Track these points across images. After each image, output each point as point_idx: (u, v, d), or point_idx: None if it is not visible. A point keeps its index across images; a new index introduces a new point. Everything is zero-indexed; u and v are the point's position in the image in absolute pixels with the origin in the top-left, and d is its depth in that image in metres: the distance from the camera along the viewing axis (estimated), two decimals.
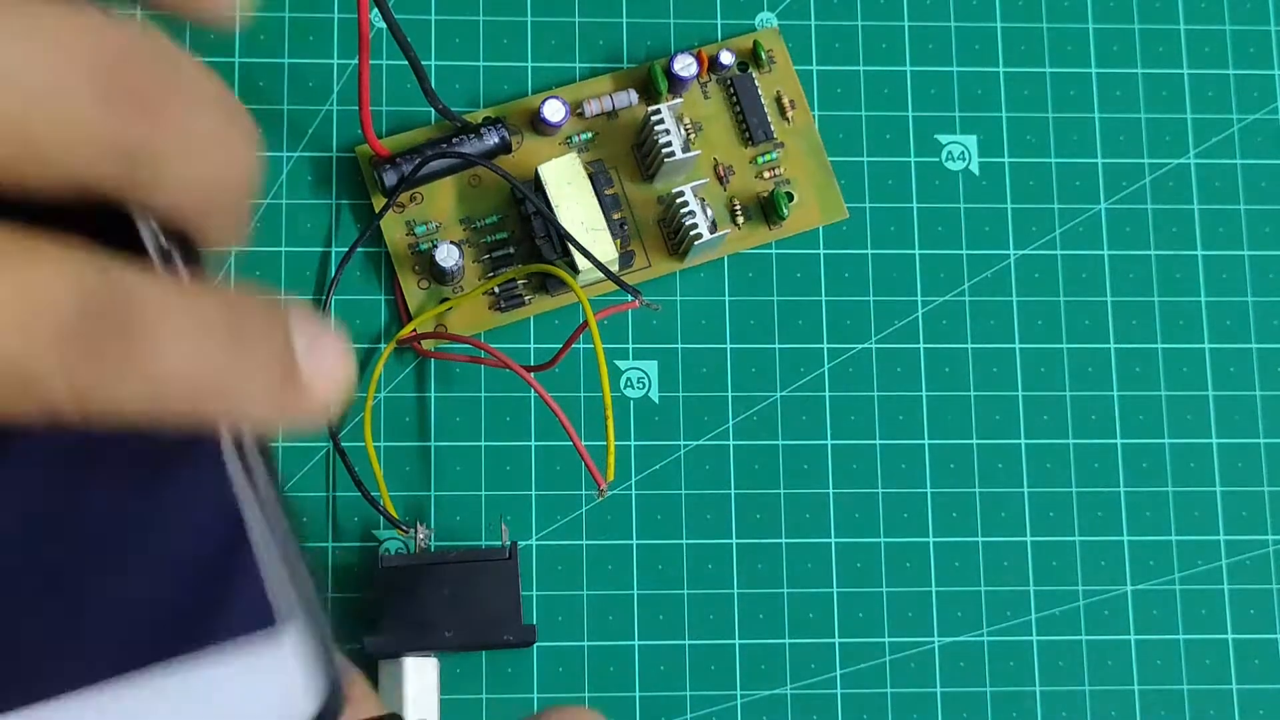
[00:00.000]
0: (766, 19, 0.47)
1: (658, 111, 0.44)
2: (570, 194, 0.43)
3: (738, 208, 0.46)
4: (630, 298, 0.42)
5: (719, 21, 0.47)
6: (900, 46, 0.48)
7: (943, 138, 0.47)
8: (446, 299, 0.44)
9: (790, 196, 0.46)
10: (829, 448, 0.45)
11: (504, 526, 0.43)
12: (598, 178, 0.44)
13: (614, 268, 0.44)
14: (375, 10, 0.43)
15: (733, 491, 0.45)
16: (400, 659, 0.41)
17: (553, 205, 0.43)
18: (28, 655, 0.16)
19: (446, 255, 0.43)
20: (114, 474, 0.17)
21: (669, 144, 0.44)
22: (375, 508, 0.43)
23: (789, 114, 0.47)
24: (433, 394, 0.45)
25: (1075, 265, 0.47)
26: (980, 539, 0.45)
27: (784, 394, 0.45)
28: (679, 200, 0.44)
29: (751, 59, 0.47)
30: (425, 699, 0.42)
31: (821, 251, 0.46)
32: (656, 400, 0.45)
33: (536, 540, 0.44)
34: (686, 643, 0.44)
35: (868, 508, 0.45)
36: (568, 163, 0.44)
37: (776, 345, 0.46)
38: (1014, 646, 0.44)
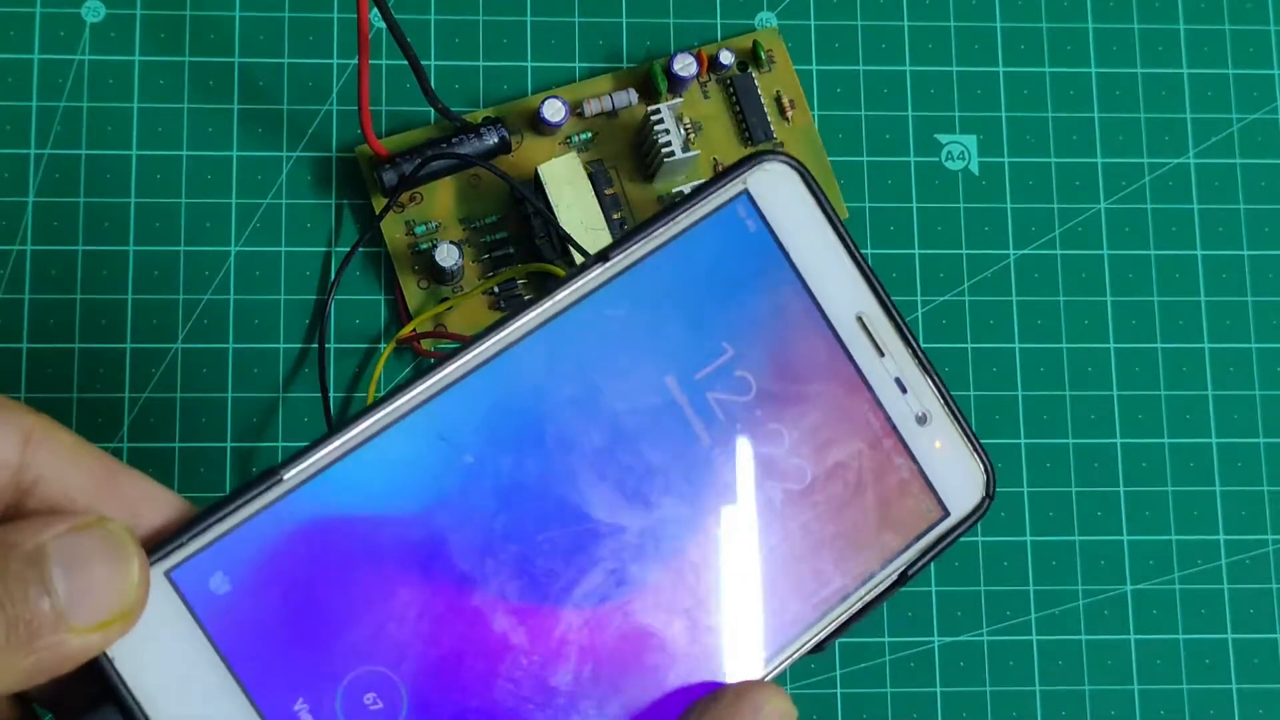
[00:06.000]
0: (766, 19, 0.47)
1: (657, 111, 0.44)
2: (570, 194, 0.43)
3: None
4: None
5: (719, 21, 0.47)
6: (900, 46, 0.48)
7: (942, 137, 0.47)
8: (446, 299, 0.44)
9: None
10: None
11: None
12: (597, 177, 0.44)
13: None
14: (375, 10, 0.43)
15: None
16: None
17: (552, 205, 0.43)
18: None
19: (446, 255, 0.43)
20: None
21: (669, 144, 0.44)
22: None
23: (789, 114, 0.47)
24: None
25: (1075, 265, 0.47)
26: (980, 538, 0.45)
27: None
28: None
29: (751, 59, 0.47)
30: None
31: None
32: None
33: None
34: None
35: None
36: (567, 162, 0.44)
37: None
38: (1014, 646, 0.44)
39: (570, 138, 0.46)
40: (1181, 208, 0.47)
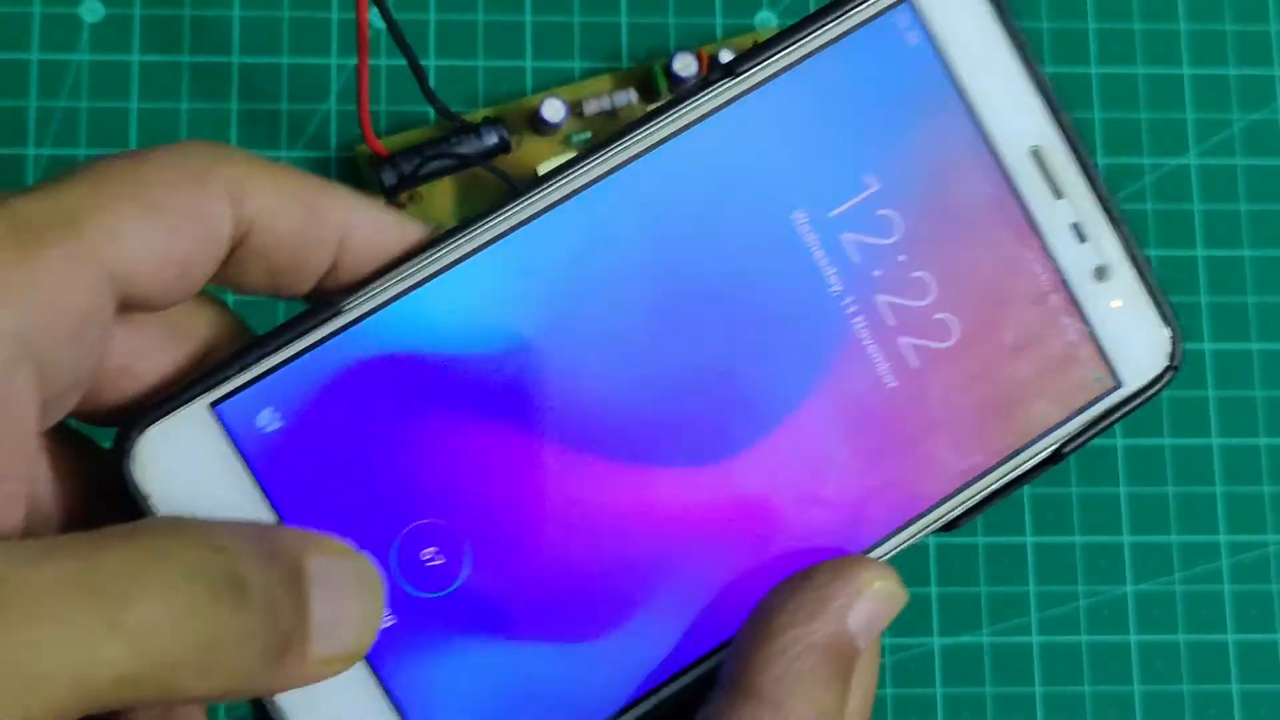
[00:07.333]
0: (766, 18, 0.47)
1: None
2: None
3: None
4: None
5: (719, 21, 0.47)
6: None
7: None
8: None
9: None
10: None
11: None
12: None
13: None
14: (374, 10, 0.43)
15: None
16: None
17: None
18: None
19: None
20: None
21: None
22: None
23: None
24: None
25: None
26: (980, 539, 0.45)
27: None
28: None
29: None
30: None
31: None
32: None
33: None
34: None
35: None
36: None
37: None
38: (1014, 647, 0.44)
39: (570, 137, 0.46)
40: (1183, 208, 0.47)
